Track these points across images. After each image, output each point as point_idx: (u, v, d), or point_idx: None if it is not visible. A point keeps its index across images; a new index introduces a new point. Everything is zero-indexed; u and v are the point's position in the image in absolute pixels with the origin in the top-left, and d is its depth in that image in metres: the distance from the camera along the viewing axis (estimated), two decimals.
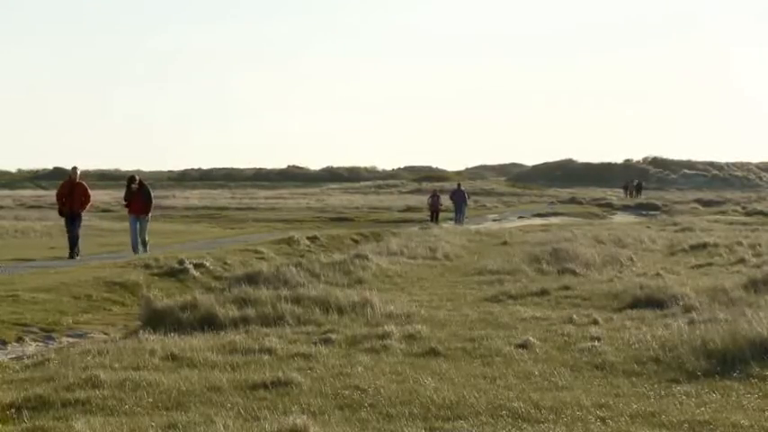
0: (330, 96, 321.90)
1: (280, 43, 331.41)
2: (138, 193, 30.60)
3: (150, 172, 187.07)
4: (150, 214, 31.30)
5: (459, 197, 54.51)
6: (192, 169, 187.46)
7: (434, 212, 54.15)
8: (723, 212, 72.14)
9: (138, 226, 30.37)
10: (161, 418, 9.85)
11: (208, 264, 25.49)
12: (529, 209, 74.62)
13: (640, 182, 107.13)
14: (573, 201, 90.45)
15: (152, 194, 31.62)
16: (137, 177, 31.44)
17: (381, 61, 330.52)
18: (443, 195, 56.64)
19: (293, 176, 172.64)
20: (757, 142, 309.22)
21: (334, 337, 14.88)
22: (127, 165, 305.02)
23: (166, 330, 15.60)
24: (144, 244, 30.39)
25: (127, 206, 31.27)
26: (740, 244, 32.01)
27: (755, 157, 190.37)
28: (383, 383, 11.47)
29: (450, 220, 54.30)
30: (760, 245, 31.38)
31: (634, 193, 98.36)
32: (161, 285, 22.38)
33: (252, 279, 21.10)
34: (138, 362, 12.87)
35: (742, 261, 26.79)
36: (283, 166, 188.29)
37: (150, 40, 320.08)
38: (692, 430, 9.40)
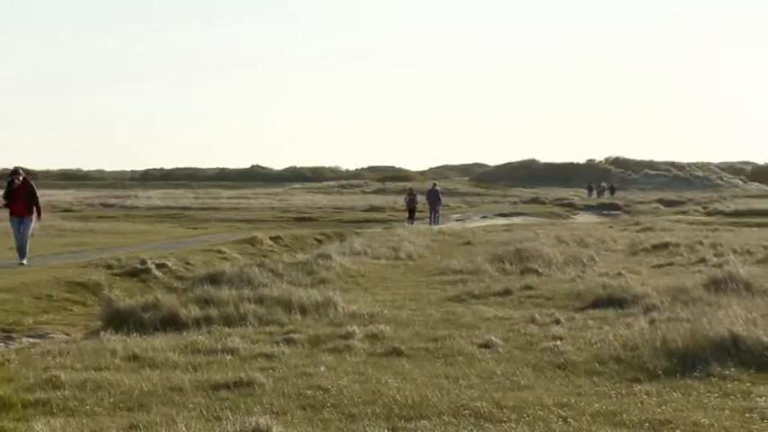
0: (293, 96, 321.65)
1: (243, 43, 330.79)
2: (20, 189, 25.46)
3: (112, 171, 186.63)
4: (35, 216, 25.78)
5: (434, 197, 54.64)
6: (155, 169, 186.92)
7: (411, 212, 54.28)
8: (684, 212, 72.59)
9: (22, 229, 25.46)
10: (122, 419, 9.79)
11: (170, 264, 25.39)
12: (492, 209, 74.79)
13: (612, 185, 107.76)
14: (536, 201, 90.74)
15: (36, 192, 26.04)
16: (21, 171, 25.82)
17: (345, 62, 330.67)
18: (420, 195, 56.81)
19: (256, 176, 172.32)
20: (718, 143, 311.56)
21: (296, 337, 14.86)
22: (89, 164, 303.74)
23: (128, 331, 15.52)
24: (23, 252, 25.51)
25: (7, 206, 25.83)
26: (701, 244, 32.20)
27: (716, 158, 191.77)
28: (346, 383, 11.46)
29: (422, 219, 54.39)
30: (721, 244, 31.57)
31: (606, 194, 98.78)
32: (123, 285, 22.28)
33: (214, 279, 21.02)
34: (99, 362, 12.80)
35: (703, 261, 26.95)
36: (246, 165, 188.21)
37: (114, 39, 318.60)
38: (652, 429, 9.44)
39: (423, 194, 57.08)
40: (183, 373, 12.08)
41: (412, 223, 51.58)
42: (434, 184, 60.09)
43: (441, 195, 56.85)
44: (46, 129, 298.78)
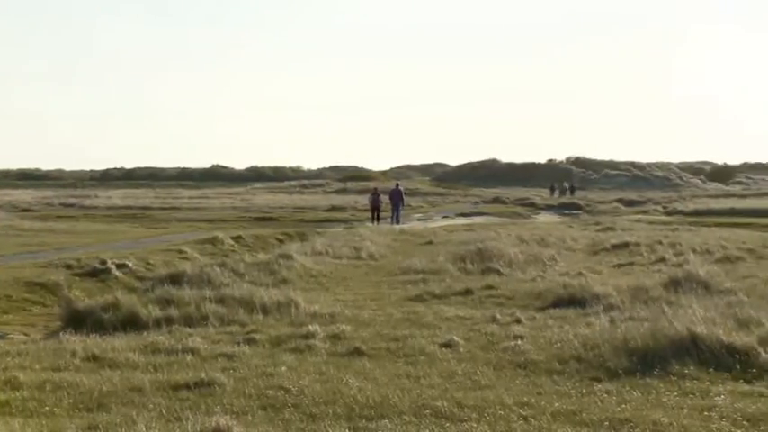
0: (255, 96, 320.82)
1: (204, 43, 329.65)
2: None
3: (72, 171, 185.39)
4: None
5: (396, 196, 54.71)
6: (115, 169, 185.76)
7: (375, 211, 54.32)
8: (644, 212, 72.94)
9: None
10: (82, 420, 9.74)
11: (130, 264, 25.28)
12: (453, 208, 74.86)
13: (573, 184, 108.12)
14: (497, 200, 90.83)
15: None
16: None
17: (306, 61, 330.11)
18: (384, 195, 56.84)
19: (217, 176, 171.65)
20: (678, 143, 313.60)
21: (258, 337, 14.84)
22: (48, 164, 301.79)
23: (88, 331, 15.46)
24: None
25: None
26: (661, 243, 32.39)
27: (676, 158, 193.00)
28: (307, 383, 11.46)
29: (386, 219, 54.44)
30: (680, 244, 31.77)
31: (566, 193, 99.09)
32: (82, 286, 22.16)
33: (175, 279, 20.96)
34: (58, 363, 12.74)
35: (662, 260, 27.11)
36: (207, 165, 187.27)
37: (74, 36, 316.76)
38: (612, 428, 9.49)
39: (386, 194, 57.11)
40: (144, 374, 12.04)
41: (376, 223, 51.62)
42: (397, 184, 60.12)
43: (404, 195, 56.90)
44: (2, 128, 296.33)
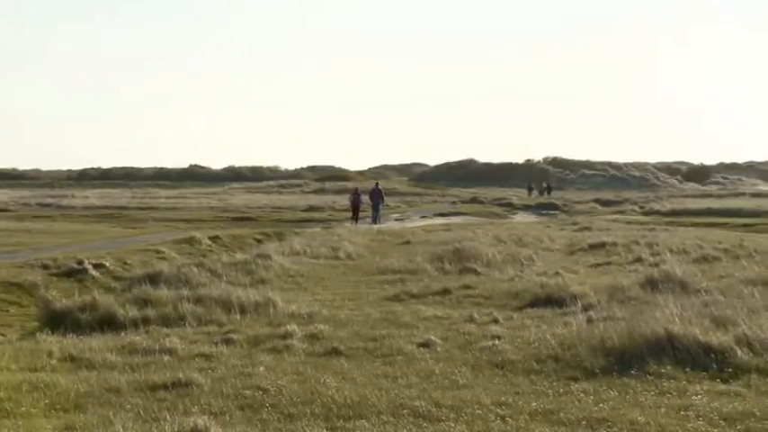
0: (232, 95, 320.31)
1: (181, 41, 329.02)
2: None
3: (49, 171, 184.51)
4: None
5: (376, 196, 54.85)
6: (92, 168, 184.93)
7: (356, 211, 54.47)
8: (621, 212, 73.13)
9: None
10: (58, 420, 9.71)
11: (108, 264, 25.17)
12: (431, 208, 74.85)
13: (549, 184, 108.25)
14: (474, 200, 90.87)
15: None
16: None
17: (284, 60, 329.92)
18: (364, 195, 57.02)
19: (195, 176, 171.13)
20: (655, 143, 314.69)
21: (235, 337, 14.83)
22: (25, 164, 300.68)
23: (65, 331, 15.43)
24: None
25: None
26: (637, 243, 32.48)
27: (653, 158, 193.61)
28: (285, 383, 11.45)
29: (366, 218, 54.55)
30: (657, 244, 31.86)
31: (544, 193, 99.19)
32: (59, 286, 22.04)
33: (152, 279, 20.90)
34: (35, 363, 12.70)
35: (639, 260, 27.19)
36: (185, 165, 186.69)
37: (50, 37, 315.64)
38: (590, 428, 9.52)
39: (366, 194, 57.26)
40: (121, 374, 12.01)
41: (356, 222, 51.75)
42: (377, 184, 60.28)
43: (384, 195, 57.04)
44: None
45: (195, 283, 20.29)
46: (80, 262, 24.52)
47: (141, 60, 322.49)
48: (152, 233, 40.52)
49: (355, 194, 55.54)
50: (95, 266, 24.56)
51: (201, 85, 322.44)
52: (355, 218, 53.79)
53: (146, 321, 16.29)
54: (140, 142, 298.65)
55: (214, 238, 34.89)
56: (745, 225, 51.70)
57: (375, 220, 53.69)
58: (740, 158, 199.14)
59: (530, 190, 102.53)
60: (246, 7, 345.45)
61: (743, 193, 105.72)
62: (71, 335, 15.06)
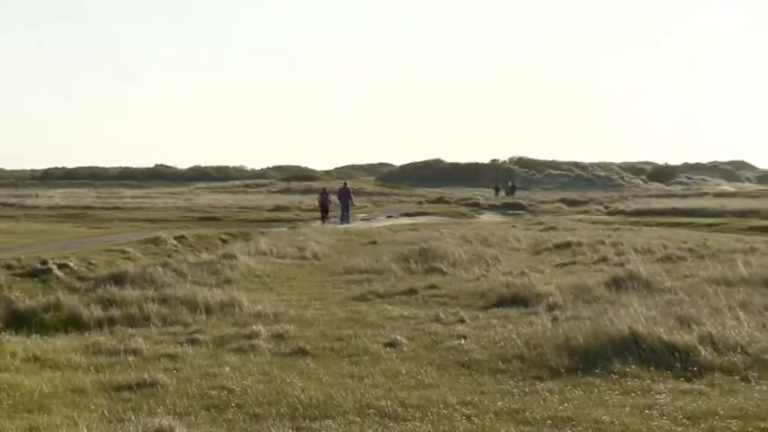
0: (198, 94, 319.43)
1: (145, 41, 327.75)
2: None
3: (12, 171, 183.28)
4: None
5: (345, 196, 54.97)
6: (56, 168, 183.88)
7: (324, 210, 54.53)
8: (586, 212, 73.41)
9: None
10: (22, 421, 9.65)
11: (72, 264, 24.98)
12: (397, 208, 74.82)
13: (514, 183, 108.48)
14: (441, 200, 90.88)
15: None
16: None
17: (248, 61, 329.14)
18: (332, 195, 57.16)
19: (160, 175, 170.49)
20: (620, 143, 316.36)
21: (201, 337, 14.79)
22: None
23: (29, 332, 15.34)
24: None
25: None
26: (603, 243, 32.62)
27: (618, 158, 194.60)
28: (250, 383, 11.44)
29: (334, 218, 54.64)
30: (622, 244, 32.03)
31: (508, 193, 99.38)
32: (23, 286, 21.86)
33: (117, 279, 20.78)
34: None
35: (604, 260, 27.31)
36: (150, 165, 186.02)
37: (12, 36, 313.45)
38: (555, 427, 9.56)
39: (335, 194, 57.40)
40: (85, 375, 11.96)
41: (324, 222, 51.80)
42: (345, 183, 60.46)
43: (352, 194, 57.19)
44: None
45: (160, 284, 20.21)
46: (44, 262, 24.34)
47: (106, 59, 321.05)
48: (117, 233, 40.32)
49: (323, 194, 55.61)
50: (60, 266, 24.37)
51: (167, 84, 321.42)
52: (324, 218, 53.84)
53: (110, 322, 16.22)
54: (105, 142, 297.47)
55: (180, 238, 34.72)
56: (709, 225, 52.02)
57: (344, 219, 53.74)
58: (704, 159, 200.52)
59: (496, 190, 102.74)
60: (210, 7, 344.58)
61: (707, 193, 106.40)
62: (35, 335, 14.99)
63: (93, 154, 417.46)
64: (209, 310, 17.32)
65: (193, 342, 14.41)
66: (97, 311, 16.69)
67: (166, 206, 72.08)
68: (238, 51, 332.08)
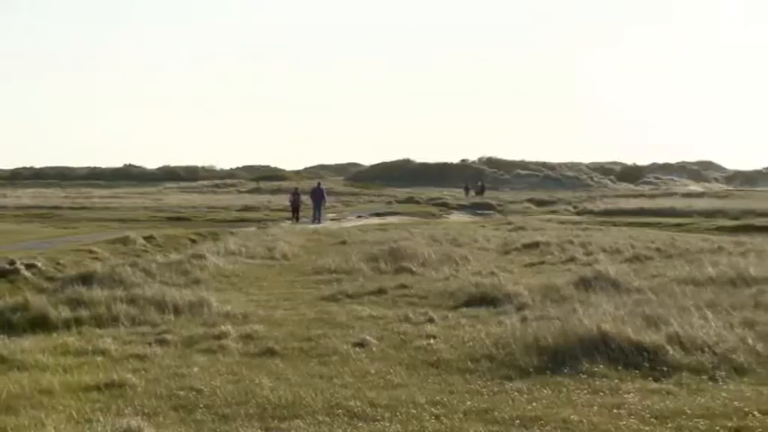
0: (167, 94, 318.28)
1: (113, 39, 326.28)
2: None
3: None
4: None
5: (317, 195, 55.03)
6: (24, 168, 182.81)
7: (295, 210, 54.55)
8: (555, 212, 73.69)
9: None
10: None
11: (40, 264, 24.85)
12: (367, 208, 74.82)
13: (483, 183, 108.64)
14: (410, 200, 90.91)
15: None
16: None
17: (218, 60, 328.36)
18: (304, 195, 57.27)
19: (129, 175, 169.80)
20: (588, 143, 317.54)
21: (169, 337, 14.74)
22: None
23: None
24: None
25: None
26: (571, 243, 32.73)
27: (586, 158, 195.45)
28: (219, 384, 11.41)
29: (303, 218, 54.64)
30: (590, 243, 32.15)
31: (477, 193, 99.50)
32: None
33: (86, 279, 20.67)
34: None
35: (573, 259, 27.42)
36: (119, 165, 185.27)
37: None
38: (523, 426, 9.58)
39: (307, 194, 57.55)
40: (53, 375, 11.89)
41: (296, 222, 51.81)
42: (319, 183, 60.80)
43: (325, 194, 57.29)
44: None
45: (129, 284, 20.11)
46: (11, 262, 24.19)
47: (74, 59, 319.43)
48: (85, 233, 40.10)
49: (295, 194, 55.61)
50: (27, 267, 24.24)
51: (136, 83, 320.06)
52: (295, 217, 53.85)
53: (78, 322, 16.13)
54: (74, 142, 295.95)
55: (148, 238, 34.58)
56: (676, 225, 52.33)
57: (317, 219, 53.80)
58: (672, 159, 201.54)
59: (466, 190, 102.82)
60: (176, 6, 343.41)
61: (675, 193, 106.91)
62: (2, 336, 14.88)
63: (61, 154, 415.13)
64: (177, 311, 17.25)
65: (162, 342, 14.36)
66: (65, 312, 16.59)
67: (135, 206, 71.75)
68: (207, 51, 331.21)
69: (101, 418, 9.62)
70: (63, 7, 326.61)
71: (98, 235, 37.80)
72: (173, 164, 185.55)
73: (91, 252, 29.06)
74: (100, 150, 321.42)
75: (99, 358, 13.10)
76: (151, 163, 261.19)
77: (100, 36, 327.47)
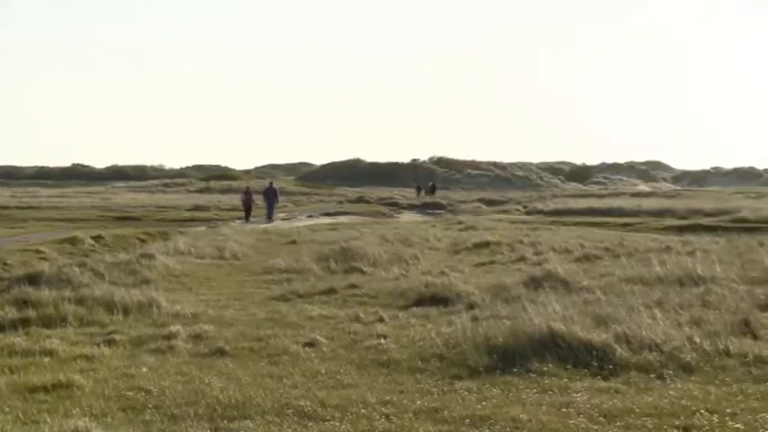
0: (116, 93, 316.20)
1: (62, 36, 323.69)
2: None
3: None
4: None
5: (270, 195, 55.17)
6: None
7: (247, 210, 54.57)
8: (505, 211, 74.06)
9: None
10: None
11: None
12: (318, 208, 74.79)
13: (434, 183, 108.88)
14: (361, 200, 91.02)
15: None
16: None
17: (167, 58, 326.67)
18: (256, 195, 57.37)
19: (77, 175, 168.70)
20: (538, 143, 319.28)
21: (118, 338, 14.64)
22: None
23: None
24: None
25: None
26: (521, 242, 32.90)
27: (536, 158, 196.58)
28: (168, 384, 11.35)
29: (255, 217, 54.64)
30: (540, 243, 32.32)
31: (428, 193, 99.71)
32: None
33: (33, 280, 20.47)
34: None
35: (523, 259, 27.53)
36: (67, 164, 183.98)
37: None
38: (473, 425, 9.59)
39: (260, 194, 57.69)
40: (0, 376, 11.77)
41: (248, 221, 51.86)
42: (271, 183, 61.09)
43: (278, 194, 57.44)
44: None
45: (77, 284, 19.94)
46: None
47: (20, 58, 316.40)
48: (33, 233, 39.77)
49: (246, 193, 55.63)
50: None
51: (84, 82, 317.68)
52: (247, 217, 53.89)
53: (25, 323, 15.96)
54: (21, 141, 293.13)
55: (97, 238, 34.36)
56: (625, 224, 52.75)
57: (269, 217, 53.98)
58: (621, 159, 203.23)
59: (418, 190, 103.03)
60: (120, 2, 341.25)
61: (623, 193, 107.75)
62: None
63: (8, 154, 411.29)
64: (126, 311, 17.14)
65: (110, 343, 14.26)
66: (12, 312, 16.43)
67: (83, 206, 71.19)
68: (154, 50, 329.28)
69: (48, 419, 9.53)
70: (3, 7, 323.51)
71: (46, 235, 37.50)
72: (121, 163, 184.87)
73: (38, 252, 28.83)
74: (48, 150, 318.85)
75: (46, 359, 12.98)
76: (100, 162, 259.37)
77: (45, 34, 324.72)
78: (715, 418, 9.59)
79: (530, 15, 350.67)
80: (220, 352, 13.65)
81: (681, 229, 46.68)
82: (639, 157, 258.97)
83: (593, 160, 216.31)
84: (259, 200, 57.15)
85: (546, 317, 13.77)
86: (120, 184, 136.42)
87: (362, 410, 10.13)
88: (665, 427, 9.42)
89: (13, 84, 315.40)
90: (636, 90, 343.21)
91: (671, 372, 11.79)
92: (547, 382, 11.47)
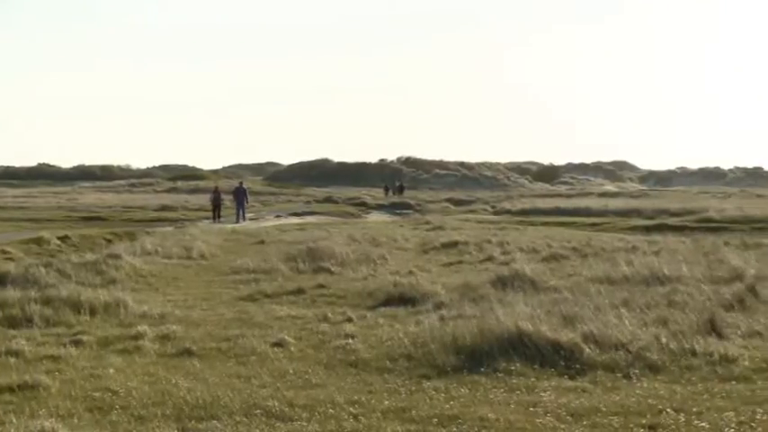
0: (82, 93, 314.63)
1: (24, 36, 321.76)
2: None
3: None
4: None
5: (240, 195, 55.21)
6: None
7: (216, 209, 54.55)
8: (473, 211, 74.20)
9: None
10: None
11: None
12: (285, 208, 74.66)
13: (402, 183, 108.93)
14: (329, 200, 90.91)
15: None
16: None
17: (133, 59, 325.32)
18: (226, 195, 57.46)
19: (43, 175, 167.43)
20: (506, 143, 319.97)
21: (84, 338, 14.57)
22: None
23: None
24: None
25: None
26: (489, 242, 32.97)
27: (504, 158, 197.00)
28: (135, 385, 11.30)
29: (220, 217, 54.65)
30: (508, 243, 32.40)
31: (396, 193, 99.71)
32: None
33: None
34: None
35: (490, 259, 27.60)
36: (33, 163, 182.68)
37: None
38: (441, 425, 9.61)
39: (229, 194, 57.76)
40: None
41: (217, 221, 51.86)
42: (241, 183, 61.32)
43: (248, 194, 57.51)
44: None
45: (43, 284, 19.85)
46: None
47: None
48: None
49: (215, 193, 55.61)
50: None
51: (49, 81, 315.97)
52: (216, 217, 53.87)
53: None
54: None
55: (63, 238, 34.21)
56: (592, 224, 53.01)
57: (240, 218, 54.01)
58: (588, 159, 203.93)
59: (386, 190, 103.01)
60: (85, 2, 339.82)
61: (590, 193, 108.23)
62: None
63: None
64: (93, 311, 17.06)
65: (77, 343, 14.18)
66: None
67: (49, 206, 70.80)
68: (118, 50, 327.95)
69: (14, 420, 9.47)
70: None
71: (11, 235, 37.28)
72: (88, 163, 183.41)
73: (4, 252, 28.68)
74: (13, 149, 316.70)
75: (12, 359, 12.89)
76: (66, 162, 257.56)
77: (10, 33, 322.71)
78: (681, 417, 9.65)
79: (496, 16, 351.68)
80: (188, 352, 13.61)
81: (647, 229, 46.90)
82: (606, 157, 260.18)
83: (560, 160, 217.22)
84: (228, 200, 57.20)
85: (513, 316, 13.81)
86: (87, 184, 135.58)
87: (330, 410, 10.12)
88: (632, 425, 9.47)
89: None
90: (602, 90, 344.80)
91: (637, 371, 11.85)
92: (514, 381, 11.51)
